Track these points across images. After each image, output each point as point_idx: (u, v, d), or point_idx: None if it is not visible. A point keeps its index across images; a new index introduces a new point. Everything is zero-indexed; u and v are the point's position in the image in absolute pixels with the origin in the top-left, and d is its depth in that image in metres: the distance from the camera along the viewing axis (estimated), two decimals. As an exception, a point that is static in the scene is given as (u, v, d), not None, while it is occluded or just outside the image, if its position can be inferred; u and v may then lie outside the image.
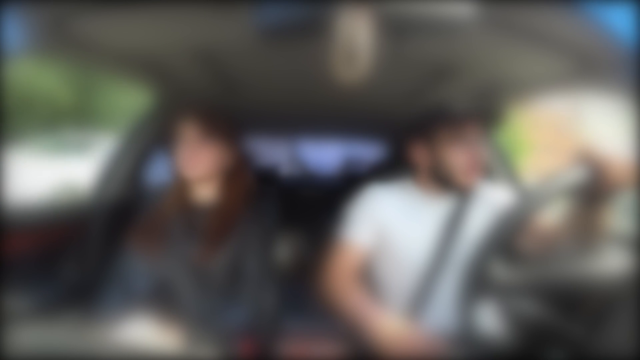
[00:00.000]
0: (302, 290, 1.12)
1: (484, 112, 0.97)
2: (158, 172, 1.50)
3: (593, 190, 0.67)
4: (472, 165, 0.97)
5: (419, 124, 1.03)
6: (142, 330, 0.84)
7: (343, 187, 1.68)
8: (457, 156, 0.96)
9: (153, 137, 1.46)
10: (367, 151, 2.58)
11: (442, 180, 1.00)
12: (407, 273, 0.99)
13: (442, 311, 0.91)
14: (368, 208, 1.03)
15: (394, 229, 1.01)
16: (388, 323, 0.86)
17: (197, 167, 1.02)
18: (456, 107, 0.98)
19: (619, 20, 0.63)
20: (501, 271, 0.66)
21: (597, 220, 0.72)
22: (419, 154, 1.03)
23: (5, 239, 1.02)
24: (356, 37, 0.60)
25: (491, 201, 1.02)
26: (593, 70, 0.83)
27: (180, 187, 1.07)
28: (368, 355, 0.87)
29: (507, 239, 0.66)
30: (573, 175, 0.65)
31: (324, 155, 3.37)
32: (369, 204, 1.04)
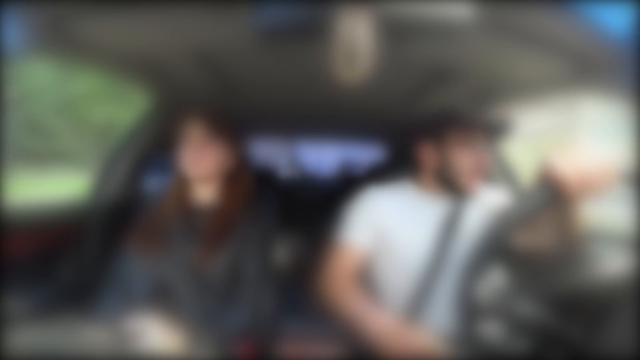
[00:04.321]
0: (301, 292, 1.11)
1: (491, 120, 0.99)
2: (156, 173, 1.50)
3: (560, 205, 0.69)
4: (478, 170, 1.00)
5: (430, 124, 1.04)
6: (141, 331, 0.84)
7: (341, 189, 1.68)
8: (465, 159, 0.99)
9: (152, 138, 1.46)
10: (365, 153, 2.58)
11: (446, 182, 1.01)
12: (405, 275, 0.99)
13: (441, 312, 0.91)
14: (367, 210, 1.03)
15: (392, 230, 1.01)
16: (386, 325, 0.86)
17: (201, 166, 1.02)
18: (466, 112, 1.00)
19: (616, 22, 0.64)
20: (498, 278, 0.66)
21: (576, 224, 0.73)
22: (427, 154, 1.04)
23: (4, 241, 1.02)
24: (356, 39, 0.60)
25: (488, 202, 1.02)
26: (592, 72, 0.84)
27: (180, 188, 1.07)
28: (366, 357, 0.87)
29: (484, 265, 0.67)
30: (535, 198, 0.67)
31: (323, 157, 3.37)
32: (368, 206, 1.04)
